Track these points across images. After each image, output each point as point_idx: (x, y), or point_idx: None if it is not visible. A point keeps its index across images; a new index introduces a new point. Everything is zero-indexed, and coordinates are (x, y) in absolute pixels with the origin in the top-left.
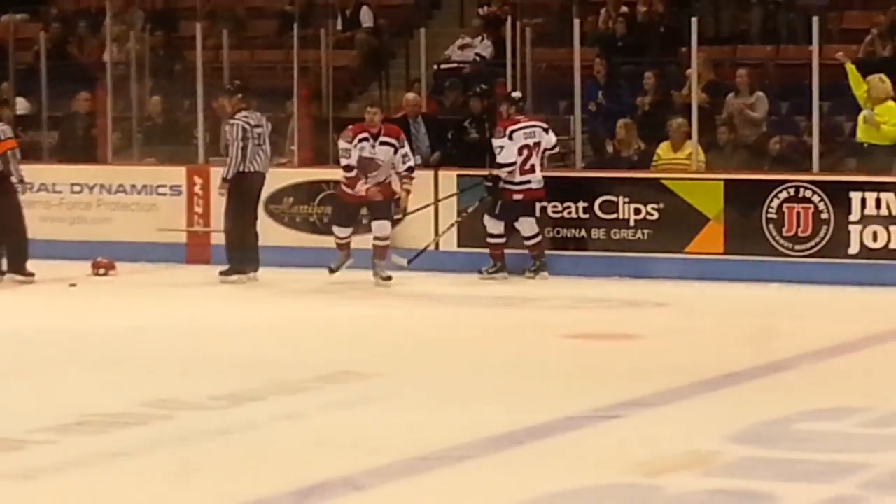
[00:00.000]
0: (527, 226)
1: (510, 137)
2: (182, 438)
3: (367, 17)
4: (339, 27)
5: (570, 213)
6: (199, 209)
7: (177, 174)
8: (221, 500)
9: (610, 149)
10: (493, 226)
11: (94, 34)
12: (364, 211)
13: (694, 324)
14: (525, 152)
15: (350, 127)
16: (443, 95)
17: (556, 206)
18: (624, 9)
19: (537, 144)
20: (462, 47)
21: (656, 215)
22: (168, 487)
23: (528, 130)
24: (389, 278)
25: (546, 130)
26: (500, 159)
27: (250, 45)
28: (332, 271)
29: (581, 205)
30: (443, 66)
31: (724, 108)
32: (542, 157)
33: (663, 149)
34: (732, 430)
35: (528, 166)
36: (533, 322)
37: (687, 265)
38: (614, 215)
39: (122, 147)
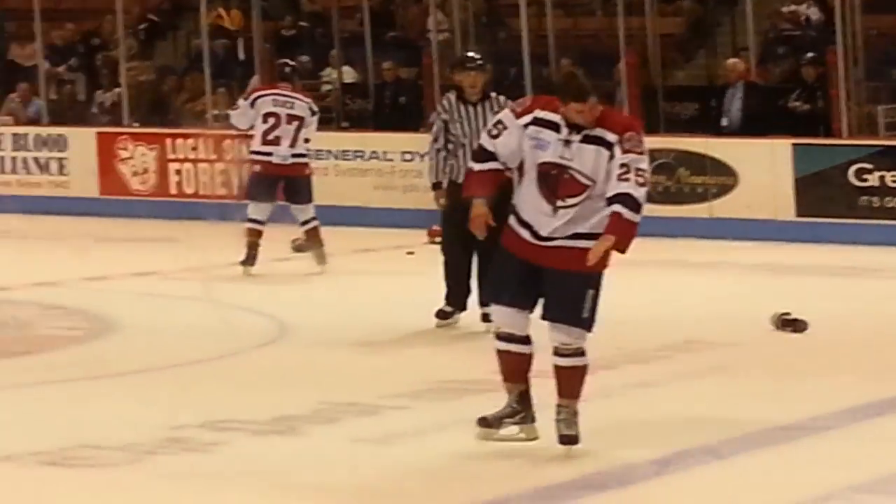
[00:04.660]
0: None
1: (252, 104)
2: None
3: None
4: None
5: None
6: None
7: None
8: (580, 468)
9: None
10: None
11: (417, 1)
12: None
13: None
14: (271, 120)
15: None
16: (773, 63)
17: (894, 176)
18: None
19: (293, 118)
20: (790, 14)
21: None
22: (521, 454)
23: (283, 100)
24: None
25: (313, 113)
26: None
27: (574, 12)
28: None
29: None
30: (770, 34)
31: None
32: (298, 135)
33: None
34: None
35: (271, 136)
36: (880, 293)
37: None
38: None
39: None
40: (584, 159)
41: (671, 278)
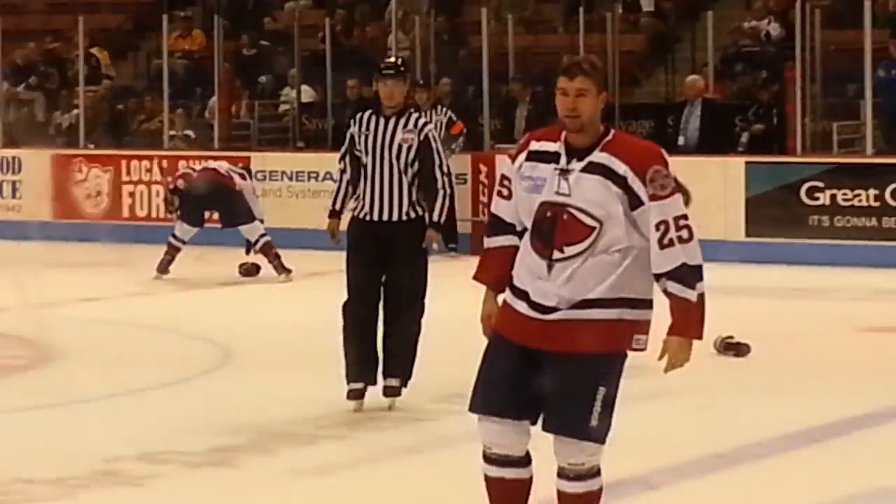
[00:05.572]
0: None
1: None
2: None
3: (647, 0)
4: (620, 11)
5: (860, 200)
6: (484, 198)
7: (462, 162)
8: None
9: None
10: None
11: (378, 20)
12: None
13: None
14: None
15: None
16: (730, 80)
17: (845, 194)
18: None
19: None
20: (750, 30)
21: None
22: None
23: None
24: None
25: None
26: None
27: (535, 30)
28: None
29: (871, 192)
30: (730, 50)
31: None
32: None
33: None
34: None
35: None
36: (827, 314)
37: None
38: None
39: None
40: (587, 192)
41: None
